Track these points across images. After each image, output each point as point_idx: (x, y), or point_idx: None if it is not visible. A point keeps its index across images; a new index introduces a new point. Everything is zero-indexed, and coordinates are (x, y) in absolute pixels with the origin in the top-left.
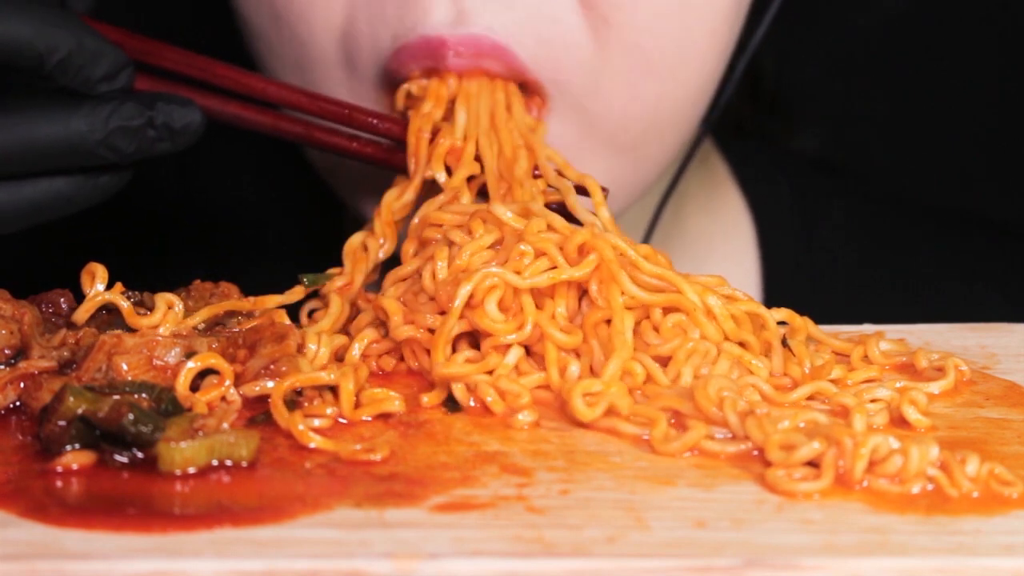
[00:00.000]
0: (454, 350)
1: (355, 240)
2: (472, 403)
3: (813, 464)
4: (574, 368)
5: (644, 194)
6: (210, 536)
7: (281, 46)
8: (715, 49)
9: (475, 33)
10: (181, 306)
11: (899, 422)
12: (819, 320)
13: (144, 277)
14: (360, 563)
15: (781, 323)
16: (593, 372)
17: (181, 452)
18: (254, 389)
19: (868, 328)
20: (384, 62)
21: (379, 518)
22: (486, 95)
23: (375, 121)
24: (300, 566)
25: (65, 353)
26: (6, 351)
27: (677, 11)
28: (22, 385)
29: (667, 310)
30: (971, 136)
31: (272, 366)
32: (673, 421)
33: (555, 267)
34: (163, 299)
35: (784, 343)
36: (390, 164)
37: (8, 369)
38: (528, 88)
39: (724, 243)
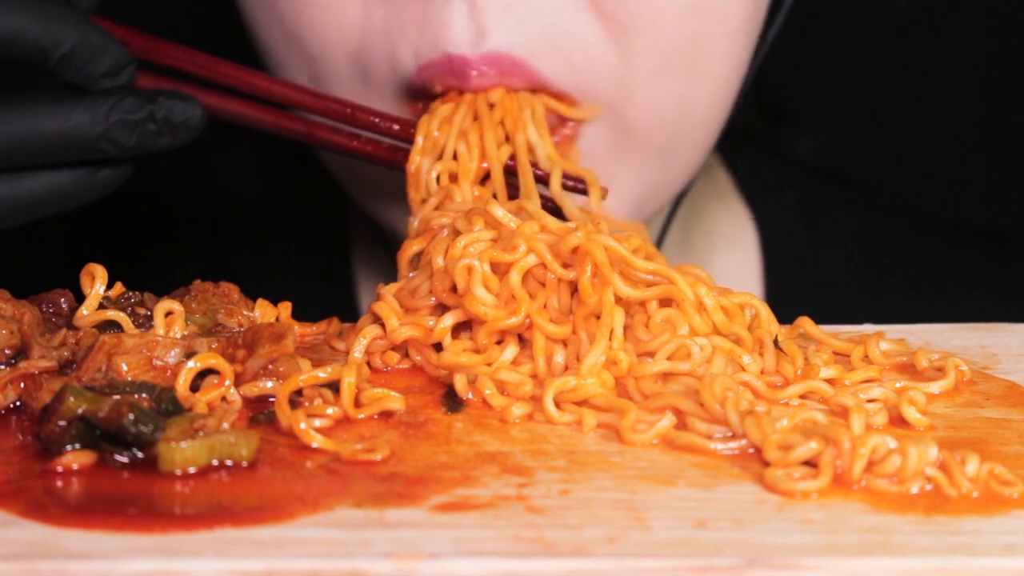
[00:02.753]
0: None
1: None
2: (470, 396)
3: (812, 464)
4: (559, 358)
5: (675, 196)
6: (210, 536)
7: (291, 62)
8: (734, 48)
9: (495, 51)
10: (182, 310)
11: (899, 422)
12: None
13: (144, 277)
14: (360, 563)
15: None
16: (579, 362)
17: (181, 452)
18: (254, 389)
19: (868, 328)
20: (406, 78)
21: (379, 518)
22: (510, 103)
23: (377, 120)
24: (300, 566)
25: (65, 353)
26: (6, 351)
27: (693, 12)
28: (22, 385)
29: (661, 303)
30: (973, 141)
31: (271, 366)
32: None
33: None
34: (161, 307)
35: (776, 343)
36: (392, 163)
37: (8, 369)
38: (562, 99)
39: (728, 253)
